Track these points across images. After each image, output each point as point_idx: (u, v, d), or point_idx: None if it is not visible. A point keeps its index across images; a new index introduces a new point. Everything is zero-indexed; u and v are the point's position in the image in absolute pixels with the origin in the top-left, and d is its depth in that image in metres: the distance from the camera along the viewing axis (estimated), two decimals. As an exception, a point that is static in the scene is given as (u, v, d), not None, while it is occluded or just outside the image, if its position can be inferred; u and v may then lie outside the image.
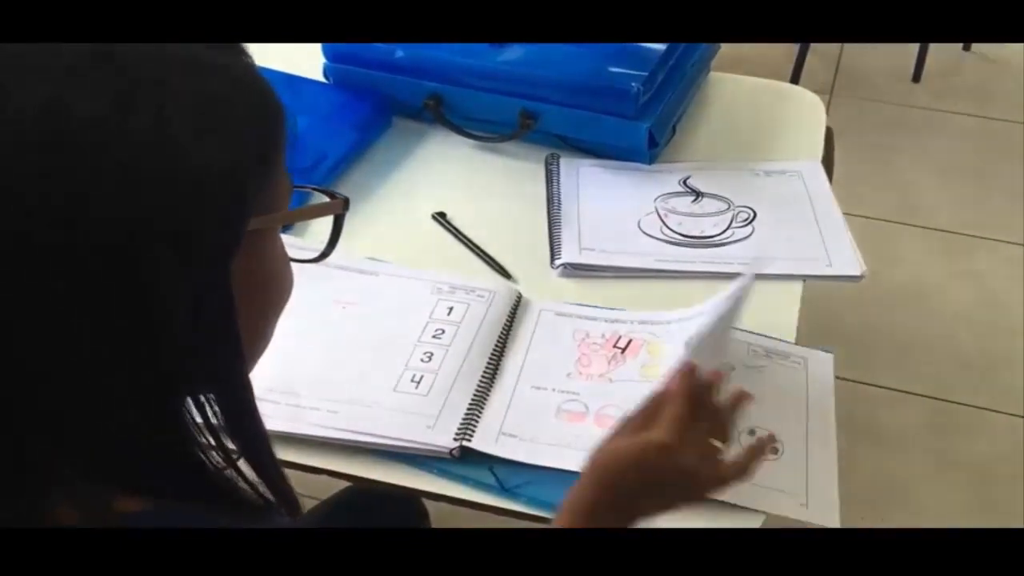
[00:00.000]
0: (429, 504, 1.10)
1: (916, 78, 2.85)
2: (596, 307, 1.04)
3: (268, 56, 0.63)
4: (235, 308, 0.53)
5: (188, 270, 0.49)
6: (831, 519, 0.85)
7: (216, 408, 0.54)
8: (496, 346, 0.98)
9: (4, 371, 0.48)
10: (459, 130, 1.29)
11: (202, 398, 0.54)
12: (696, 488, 0.74)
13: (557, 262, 1.11)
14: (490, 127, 1.29)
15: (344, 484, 0.99)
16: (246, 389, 0.56)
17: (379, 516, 1.11)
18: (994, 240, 2.32)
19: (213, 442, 0.55)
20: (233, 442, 0.56)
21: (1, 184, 0.45)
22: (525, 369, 0.97)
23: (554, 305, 1.05)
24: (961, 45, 2.97)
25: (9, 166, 0.45)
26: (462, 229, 1.16)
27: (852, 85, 2.83)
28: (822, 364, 0.99)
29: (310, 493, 1.08)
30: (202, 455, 0.55)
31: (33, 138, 0.46)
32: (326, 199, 0.65)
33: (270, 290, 0.58)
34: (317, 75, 1.34)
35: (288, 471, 0.62)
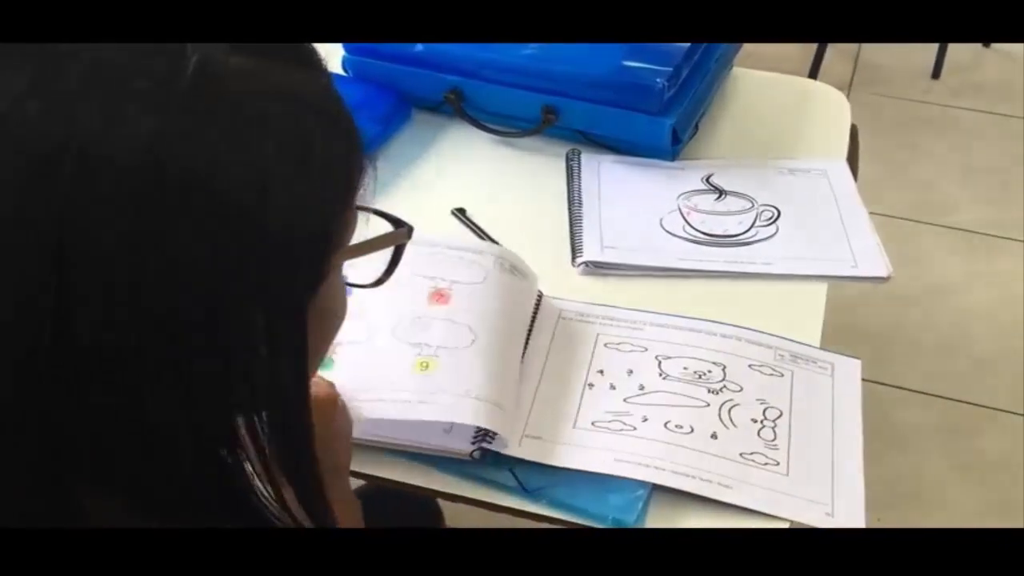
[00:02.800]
0: (444, 505, 1.09)
1: (935, 74, 2.82)
2: (618, 307, 1.03)
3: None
4: (307, 340, 0.52)
5: (269, 309, 0.49)
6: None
7: (273, 438, 0.53)
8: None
9: (65, 395, 0.46)
10: (480, 124, 1.27)
11: (259, 426, 0.52)
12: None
13: (579, 260, 1.10)
14: (511, 122, 1.27)
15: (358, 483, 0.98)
16: (308, 416, 0.55)
17: (393, 516, 1.11)
18: (1015, 240, 2.29)
19: (263, 473, 0.53)
20: (285, 472, 0.55)
21: (117, 229, 0.44)
22: (547, 369, 0.95)
23: (576, 305, 1.03)
24: (981, 42, 2.95)
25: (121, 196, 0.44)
26: (482, 225, 1.14)
27: (870, 81, 2.80)
28: (849, 371, 0.97)
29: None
30: (249, 488, 0.53)
31: (136, 185, 0.44)
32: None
33: (330, 317, 0.57)
34: (336, 67, 1.33)
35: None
